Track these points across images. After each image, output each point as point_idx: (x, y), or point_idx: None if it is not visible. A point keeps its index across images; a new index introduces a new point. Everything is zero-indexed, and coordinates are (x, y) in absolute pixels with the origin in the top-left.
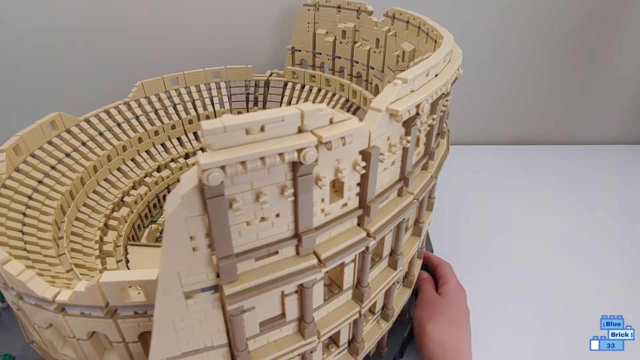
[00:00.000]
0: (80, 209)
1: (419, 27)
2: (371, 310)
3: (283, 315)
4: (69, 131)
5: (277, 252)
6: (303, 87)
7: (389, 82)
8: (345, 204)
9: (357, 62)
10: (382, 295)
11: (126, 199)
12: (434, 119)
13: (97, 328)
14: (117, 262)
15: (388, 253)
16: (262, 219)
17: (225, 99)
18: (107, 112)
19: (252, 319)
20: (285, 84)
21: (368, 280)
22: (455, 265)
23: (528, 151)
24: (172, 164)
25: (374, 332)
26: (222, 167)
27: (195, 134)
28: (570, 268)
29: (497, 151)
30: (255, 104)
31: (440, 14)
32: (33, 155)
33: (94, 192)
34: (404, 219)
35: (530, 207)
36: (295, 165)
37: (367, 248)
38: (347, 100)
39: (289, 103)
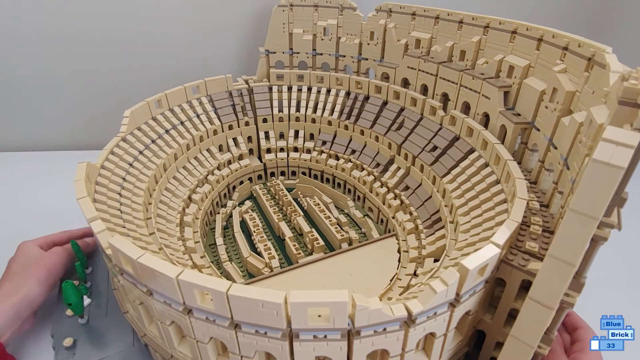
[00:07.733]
0: (170, 181)
1: (437, 17)
2: None
3: None
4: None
5: None
6: (290, 88)
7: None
8: None
9: (344, 56)
10: None
11: (210, 177)
12: None
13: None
14: (201, 257)
15: None
16: None
17: (213, 114)
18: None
19: None
20: (270, 88)
21: None
22: None
23: None
24: None
25: None
26: None
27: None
28: None
29: None
30: (245, 114)
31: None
32: (139, 129)
33: (184, 168)
34: None
35: None
36: None
37: None
38: (348, 93)
39: (281, 108)
